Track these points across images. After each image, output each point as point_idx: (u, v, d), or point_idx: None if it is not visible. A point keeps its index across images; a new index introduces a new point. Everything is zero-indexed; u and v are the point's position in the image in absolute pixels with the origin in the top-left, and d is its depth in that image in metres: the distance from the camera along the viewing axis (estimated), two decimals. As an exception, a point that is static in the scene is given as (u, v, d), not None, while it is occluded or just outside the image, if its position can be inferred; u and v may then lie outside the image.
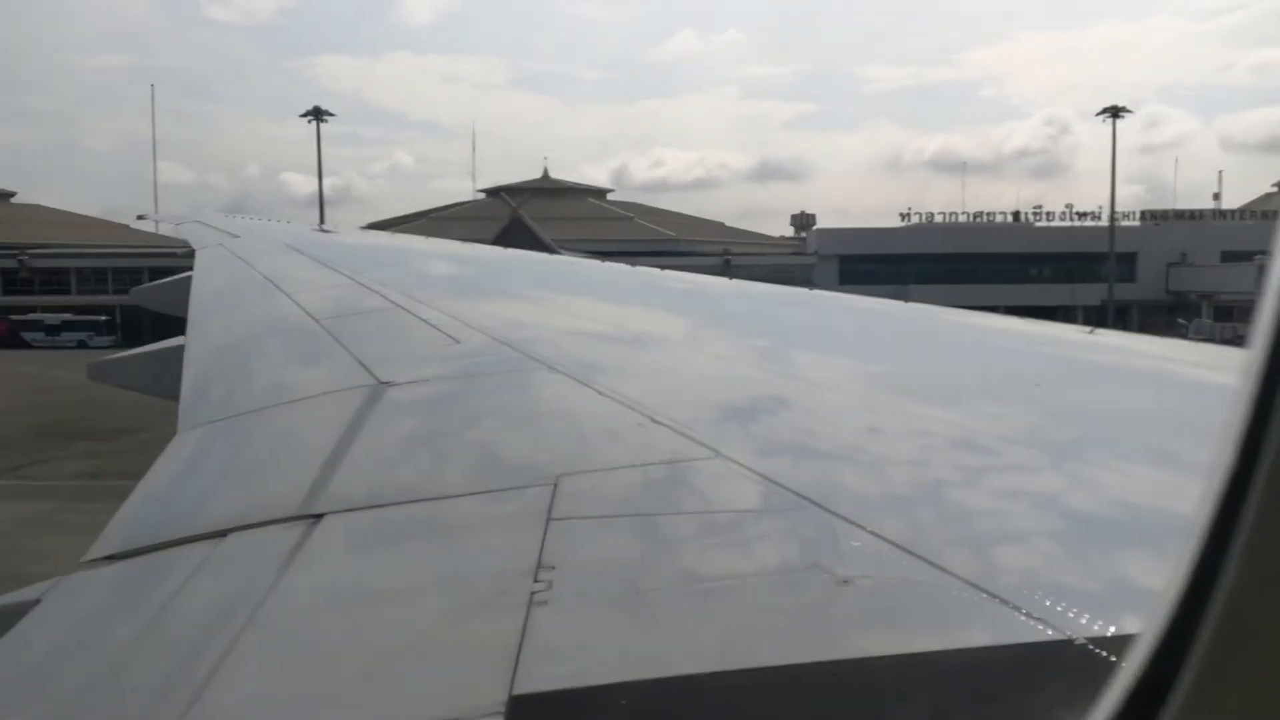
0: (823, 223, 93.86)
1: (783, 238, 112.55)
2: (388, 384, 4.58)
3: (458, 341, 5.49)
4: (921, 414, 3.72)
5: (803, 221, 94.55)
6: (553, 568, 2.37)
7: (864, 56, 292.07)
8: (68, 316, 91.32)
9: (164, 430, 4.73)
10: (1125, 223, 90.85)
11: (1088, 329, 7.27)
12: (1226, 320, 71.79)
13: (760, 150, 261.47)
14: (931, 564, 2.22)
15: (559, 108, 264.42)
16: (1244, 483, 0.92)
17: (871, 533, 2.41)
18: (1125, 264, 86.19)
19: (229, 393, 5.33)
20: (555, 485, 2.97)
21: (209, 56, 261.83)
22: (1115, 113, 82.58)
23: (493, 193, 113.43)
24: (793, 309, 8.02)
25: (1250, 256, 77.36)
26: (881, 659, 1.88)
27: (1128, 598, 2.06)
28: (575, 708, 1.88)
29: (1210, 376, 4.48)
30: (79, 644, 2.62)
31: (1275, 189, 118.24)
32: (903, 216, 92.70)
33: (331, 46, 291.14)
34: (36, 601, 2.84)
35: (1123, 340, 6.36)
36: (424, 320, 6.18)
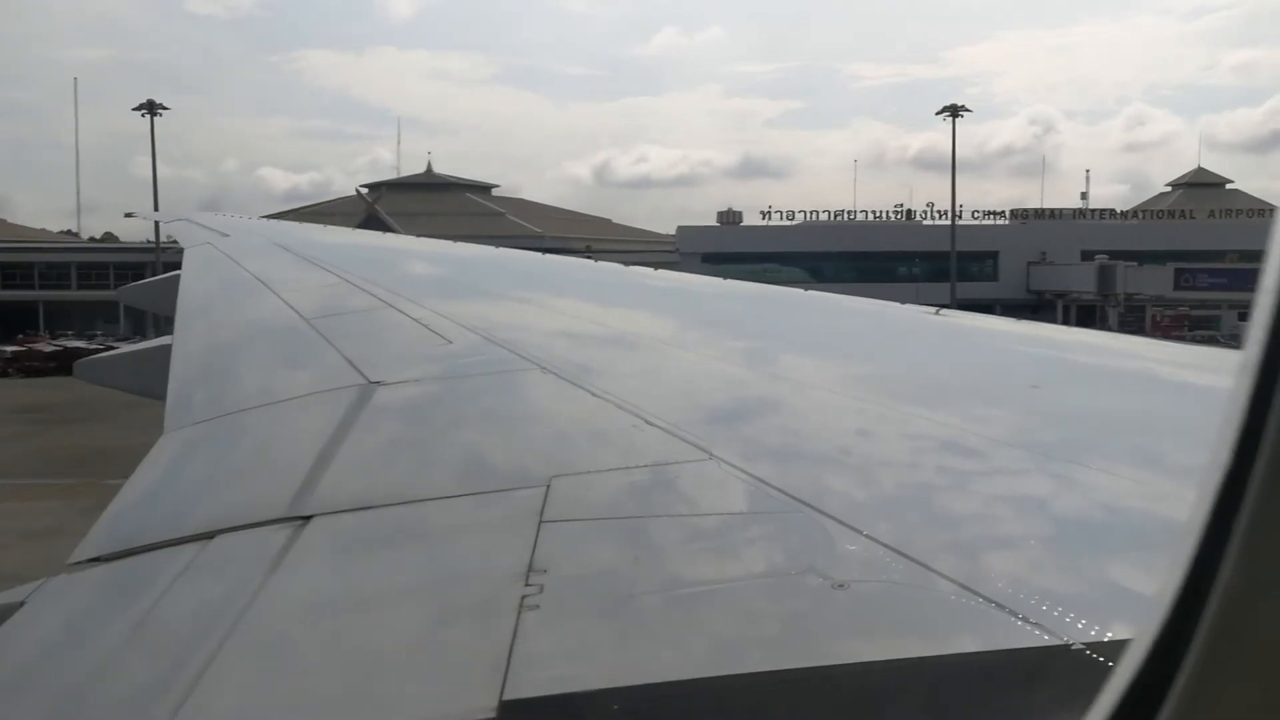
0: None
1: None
2: (378, 384, 4.55)
3: (449, 341, 5.48)
4: (917, 416, 3.70)
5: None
6: (544, 571, 2.35)
7: (849, 54, 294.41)
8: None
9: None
10: (1001, 221, 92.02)
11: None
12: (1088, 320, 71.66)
13: (744, 147, 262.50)
14: (927, 568, 2.20)
15: (543, 104, 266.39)
16: (1240, 485, 0.92)
17: (867, 536, 2.40)
18: (989, 263, 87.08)
19: (216, 393, 5.31)
20: (547, 487, 2.94)
21: (188, 50, 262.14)
22: (954, 112, 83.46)
23: (374, 188, 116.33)
24: (785, 309, 8.00)
25: (1095, 255, 78.92)
26: (876, 664, 1.87)
27: (1123, 602, 2.05)
28: (566, 713, 1.86)
29: (1202, 378, 4.48)
30: (64, 647, 2.59)
31: (1169, 189, 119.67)
32: (763, 215, 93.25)
33: (314, 41, 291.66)
34: (21, 604, 2.81)
35: (1112, 341, 6.38)
36: (415, 320, 6.17)
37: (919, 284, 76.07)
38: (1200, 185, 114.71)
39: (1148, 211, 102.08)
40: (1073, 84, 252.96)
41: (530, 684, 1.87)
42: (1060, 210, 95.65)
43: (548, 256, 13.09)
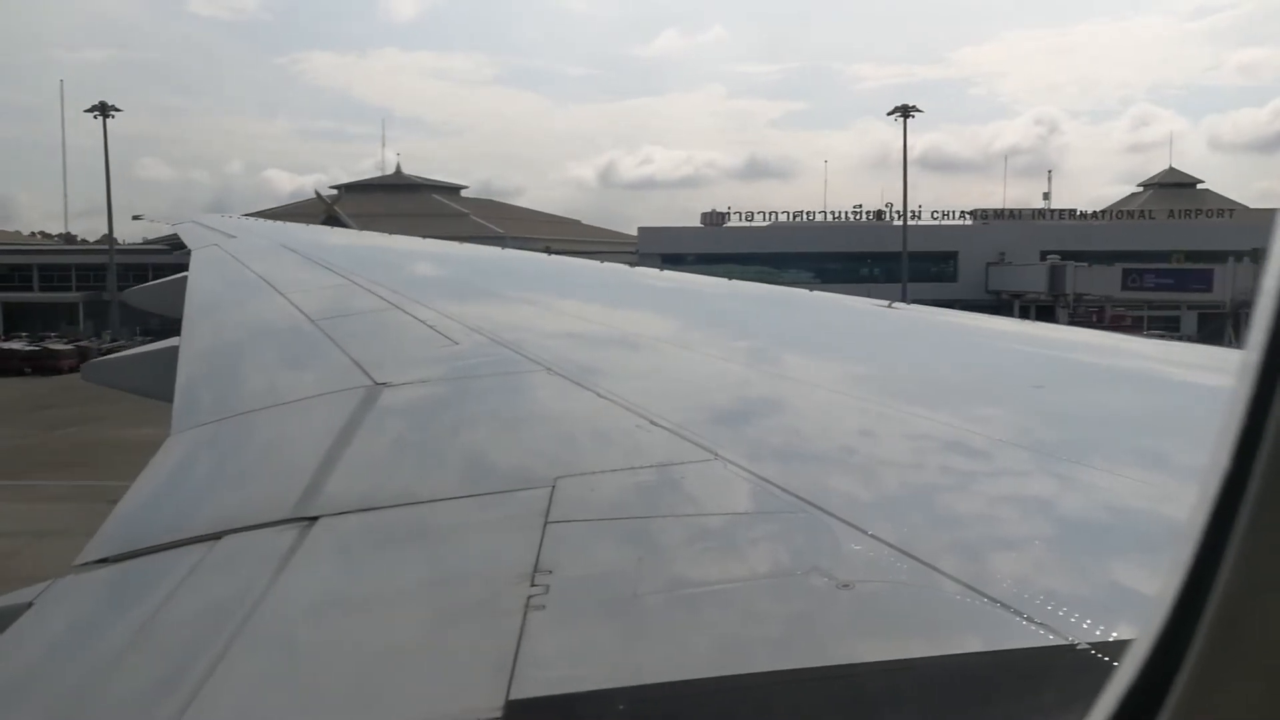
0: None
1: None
2: (384, 385, 4.56)
3: (455, 342, 5.49)
4: (921, 416, 3.70)
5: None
6: (550, 571, 2.35)
7: (852, 54, 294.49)
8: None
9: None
10: (965, 221, 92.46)
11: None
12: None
13: (748, 148, 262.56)
14: (932, 568, 2.20)
15: (545, 104, 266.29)
16: (1240, 485, 0.92)
17: (872, 536, 2.40)
18: (948, 263, 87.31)
19: (223, 394, 5.31)
20: (553, 488, 2.95)
21: (192, 52, 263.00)
22: (905, 112, 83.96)
23: (343, 189, 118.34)
24: (789, 309, 8.01)
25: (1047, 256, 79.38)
26: (882, 664, 1.87)
27: (1127, 601, 2.05)
28: (572, 713, 1.86)
29: (1203, 378, 4.47)
30: (72, 648, 2.59)
31: (1140, 189, 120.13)
32: (704, 217, 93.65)
33: (318, 43, 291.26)
34: (29, 605, 2.80)
35: (1114, 341, 6.36)
36: (421, 321, 6.18)
37: (878, 285, 76.30)
38: (1171, 185, 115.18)
39: (1119, 212, 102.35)
40: (1077, 84, 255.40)
41: (536, 684, 1.87)
42: (1020, 210, 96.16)
43: (554, 258, 13.11)
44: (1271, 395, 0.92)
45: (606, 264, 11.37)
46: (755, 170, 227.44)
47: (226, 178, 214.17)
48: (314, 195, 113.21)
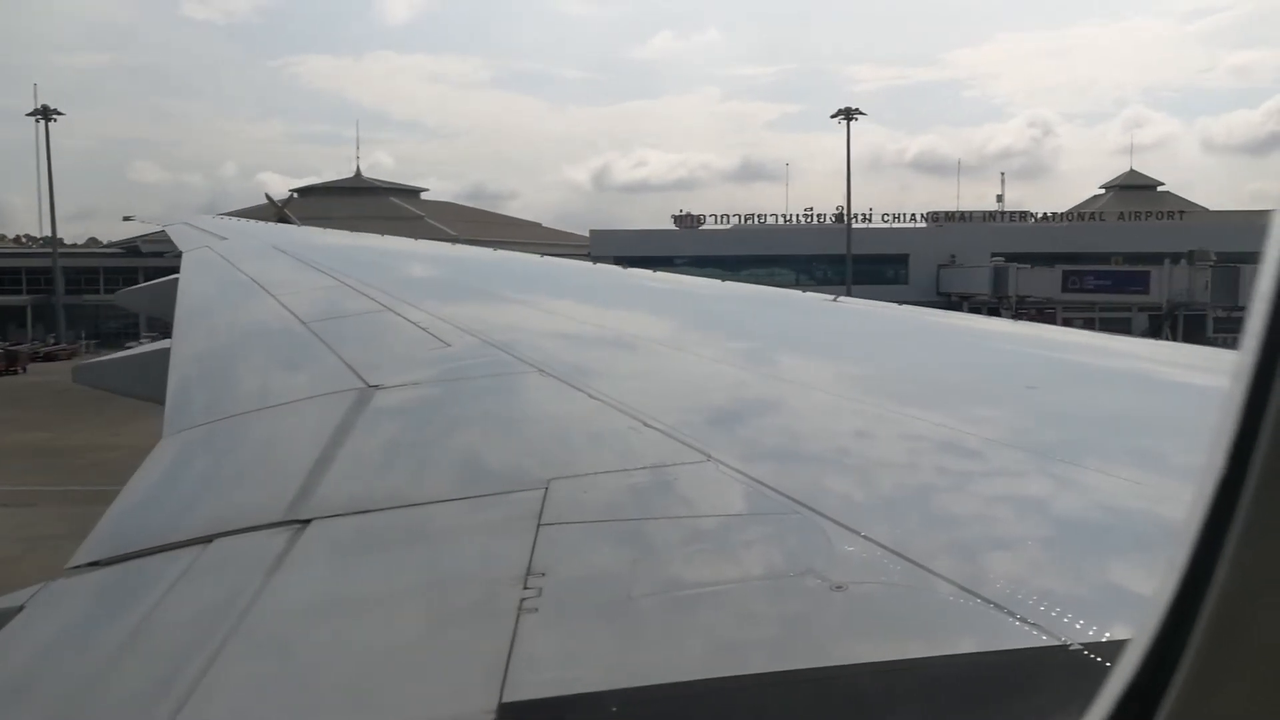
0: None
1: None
2: (376, 387, 4.55)
3: (447, 344, 5.48)
4: (914, 417, 3.70)
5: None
6: (543, 574, 2.35)
7: (847, 56, 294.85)
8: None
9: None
10: (920, 224, 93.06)
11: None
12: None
13: (743, 150, 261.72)
14: (925, 569, 2.21)
15: (542, 107, 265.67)
16: (1235, 487, 0.92)
17: (865, 538, 2.40)
18: (900, 266, 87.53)
19: (215, 396, 5.30)
20: (546, 490, 2.95)
21: (187, 55, 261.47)
22: (848, 115, 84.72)
23: (304, 192, 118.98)
24: (782, 309, 8.01)
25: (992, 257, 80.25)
26: (875, 665, 1.88)
27: (1121, 602, 2.06)
28: (566, 715, 1.86)
29: (1192, 377, 4.52)
30: (63, 652, 2.58)
31: (1102, 190, 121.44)
32: (675, 219, 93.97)
33: (312, 46, 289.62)
34: (20, 609, 2.79)
35: (1106, 341, 6.37)
36: (413, 322, 6.17)
37: (831, 287, 76.72)
38: (1132, 188, 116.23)
39: (1079, 214, 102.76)
40: (1071, 86, 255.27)
41: (529, 686, 1.87)
42: (971, 213, 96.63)
43: (546, 259, 13.06)
44: (1267, 397, 0.92)
45: (599, 265, 11.43)
46: (749, 173, 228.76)
47: (220, 181, 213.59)
48: (297, 196, 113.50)
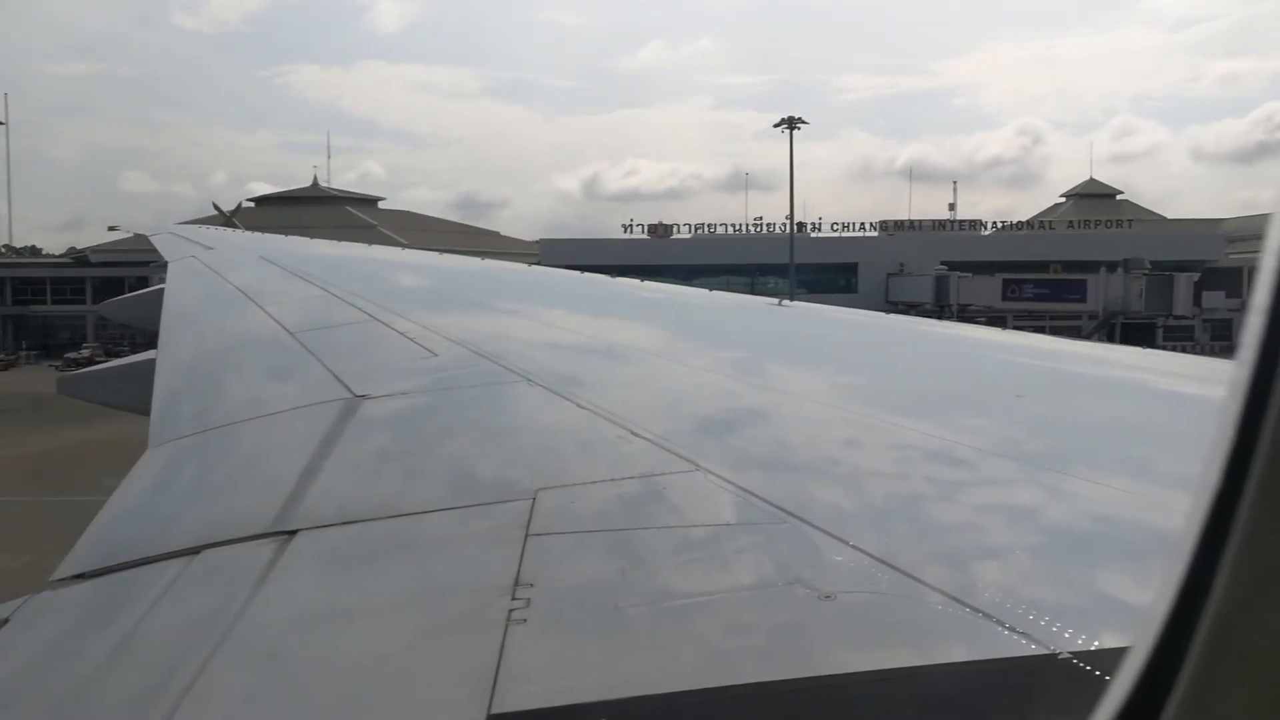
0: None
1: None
2: (363, 397, 4.54)
3: (434, 354, 5.47)
4: (902, 426, 3.71)
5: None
6: (531, 584, 2.35)
7: (837, 66, 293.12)
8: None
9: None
10: (873, 233, 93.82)
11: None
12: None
13: (733, 160, 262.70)
14: (914, 579, 2.22)
15: (533, 117, 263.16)
16: (1233, 496, 0.92)
17: (854, 547, 2.41)
18: (850, 275, 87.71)
19: (201, 407, 5.26)
20: (534, 500, 2.95)
21: (176, 65, 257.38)
22: (791, 124, 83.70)
23: (260, 201, 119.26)
24: (771, 319, 8.05)
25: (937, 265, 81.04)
26: (864, 674, 1.88)
27: (1110, 611, 2.07)
28: None
29: (1187, 387, 4.57)
30: (48, 665, 2.56)
31: (1062, 199, 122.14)
32: (625, 228, 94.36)
33: (303, 56, 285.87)
34: (4, 622, 2.77)
35: (1095, 350, 6.51)
36: (400, 333, 6.15)
37: (782, 297, 76.92)
38: (1092, 196, 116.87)
39: (1039, 222, 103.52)
40: (1060, 95, 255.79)
41: (518, 697, 1.87)
42: (920, 222, 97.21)
43: (534, 269, 13.05)
44: (1265, 405, 0.92)
45: (587, 274, 11.34)
46: (739, 182, 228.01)
47: (210, 190, 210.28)
48: (254, 206, 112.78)
